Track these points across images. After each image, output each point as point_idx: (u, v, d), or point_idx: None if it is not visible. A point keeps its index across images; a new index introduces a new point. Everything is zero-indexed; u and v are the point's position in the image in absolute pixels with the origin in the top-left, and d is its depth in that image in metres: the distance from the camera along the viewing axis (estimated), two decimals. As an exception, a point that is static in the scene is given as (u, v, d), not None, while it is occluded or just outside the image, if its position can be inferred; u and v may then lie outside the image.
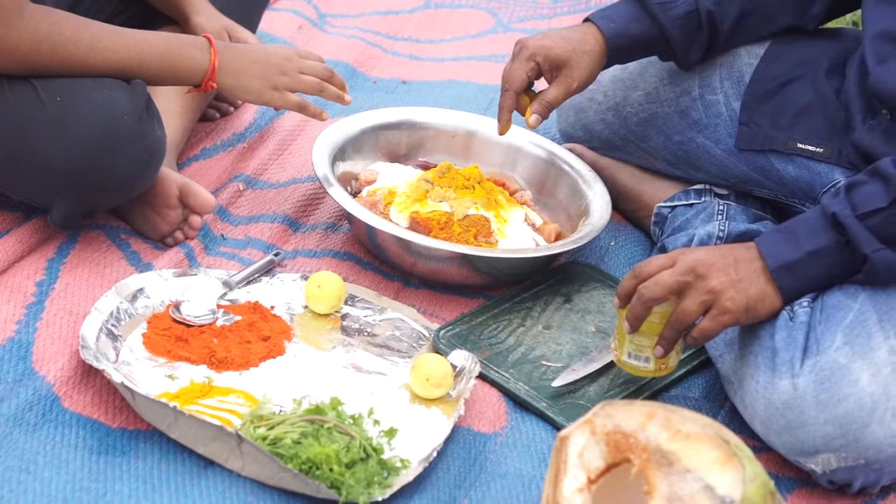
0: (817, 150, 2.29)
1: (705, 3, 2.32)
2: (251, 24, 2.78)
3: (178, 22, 2.59)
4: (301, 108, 2.39)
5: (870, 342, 1.92)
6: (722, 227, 2.36)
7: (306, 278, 2.26)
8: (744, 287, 1.95)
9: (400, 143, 2.66)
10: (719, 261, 1.96)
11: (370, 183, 2.51)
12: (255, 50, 2.38)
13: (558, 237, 2.47)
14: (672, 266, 1.97)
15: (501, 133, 2.34)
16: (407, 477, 1.85)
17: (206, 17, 2.57)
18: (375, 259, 2.42)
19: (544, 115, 2.30)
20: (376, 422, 1.94)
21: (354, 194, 2.49)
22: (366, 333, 2.19)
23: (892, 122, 2.10)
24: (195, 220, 2.36)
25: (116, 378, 1.89)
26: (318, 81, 2.39)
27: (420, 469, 1.87)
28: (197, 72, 2.27)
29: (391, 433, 1.92)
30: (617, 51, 2.34)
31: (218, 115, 2.83)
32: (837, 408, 1.90)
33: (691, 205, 2.49)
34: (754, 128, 2.37)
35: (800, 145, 2.32)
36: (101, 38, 2.16)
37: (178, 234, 2.36)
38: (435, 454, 1.89)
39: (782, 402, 1.94)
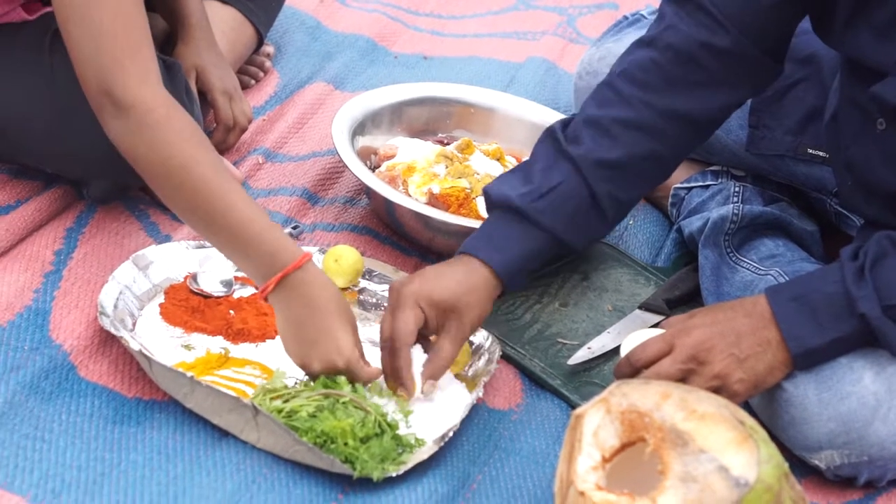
0: (827, 155, 2.27)
1: (600, 187, 2.02)
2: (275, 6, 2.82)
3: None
4: None
5: None
6: (736, 211, 2.35)
7: (324, 252, 2.26)
8: (751, 365, 1.89)
9: (420, 119, 2.65)
10: (720, 340, 1.89)
11: (389, 158, 2.50)
12: (320, 319, 1.89)
13: (577, 215, 2.46)
14: (670, 351, 1.90)
15: (412, 395, 1.94)
16: (421, 455, 1.85)
17: (190, 49, 2.52)
18: (393, 234, 2.42)
19: (439, 376, 1.96)
20: (382, 394, 1.94)
21: (373, 169, 2.49)
22: (383, 308, 2.19)
23: (870, 194, 2.03)
24: (216, 194, 2.35)
25: (134, 346, 1.90)
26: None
27: (435, 448, 1.87)
28: (256, 278, 1.93)
29: (406, 413, 1.92)
30: (513, 277, 2.01)
31: (253, 81, 2.85)
32: (840, 405, 1.90)
33: (707, 186, 2.49)
34: (764, 131, 2.36)
35: (809, 150, 2.30)
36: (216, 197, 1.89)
37: (198, 207, 2.35)
38: (451, 434, 1.90)
39: (784, 399, 1.93)
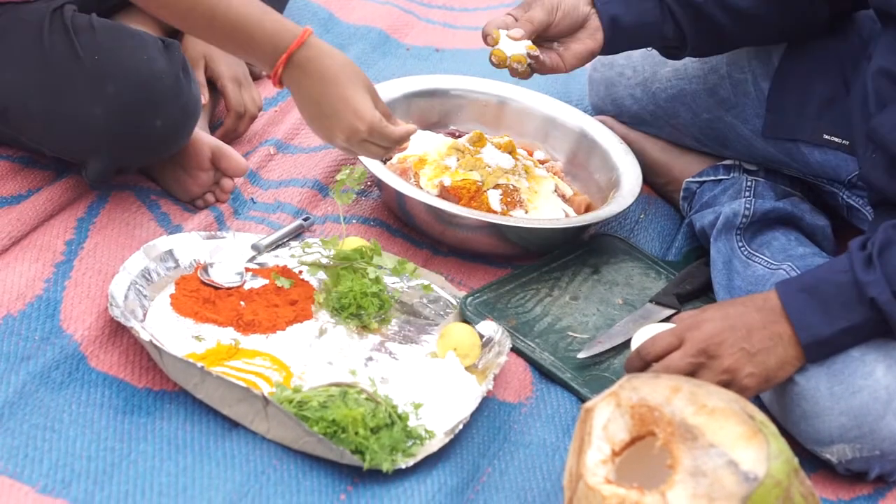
0: (843, 142, 2.27)
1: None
2: None
3: None
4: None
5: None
6: (748, 206, 2.35)
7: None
8: (761, 360, 1.89)
9: (432, 111, 2.65)
10: (731, 335, 1.89)
11: (401, 150, 2.50)
12: (332, 90, 1.94)
13: (588, 209, 2.46)
14: (680, 346, 1.90)
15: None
16: (431, 447, 1.86)
17: (193, 39, 2.51)
18: (404, 226, 2.42)
19: (526, 30, 2.17)
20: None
21: (385, 161, 2.48)
22: (393, 300, 2.19)
23: (892, 166, 2.04)
24: (227, 183, 2.36)
25: (144, 336, 1.90)
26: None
27: (445, 440, 1.87)
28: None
29: (417, 405, 1.92)
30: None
31: (264, 73, 2.85)
32: (852, 399, 1.90)
33: (719, 181, 2.49)
34: (781, 116, 2.35)
35: (826, 136, 2.30)
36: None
37: (209, 197, 2.36)
38: (461, 426, 1.90)
39: (796, 393, 1.93)
